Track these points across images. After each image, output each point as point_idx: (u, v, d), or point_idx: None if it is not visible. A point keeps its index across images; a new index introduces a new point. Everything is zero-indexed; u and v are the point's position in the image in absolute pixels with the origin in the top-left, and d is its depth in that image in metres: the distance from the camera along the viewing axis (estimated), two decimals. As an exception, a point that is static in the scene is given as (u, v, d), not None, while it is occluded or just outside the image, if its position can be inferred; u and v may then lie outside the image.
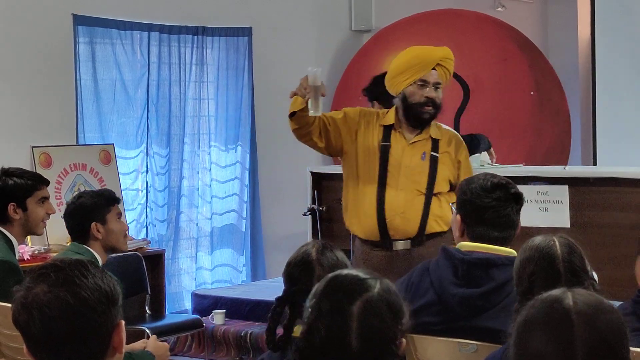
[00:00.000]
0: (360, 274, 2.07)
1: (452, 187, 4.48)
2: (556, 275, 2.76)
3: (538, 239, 2.88)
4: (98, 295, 1.97)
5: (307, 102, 4.31)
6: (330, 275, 2.08)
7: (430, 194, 4.47)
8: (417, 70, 4.48)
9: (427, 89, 4.47)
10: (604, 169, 6.55)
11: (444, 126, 4.71)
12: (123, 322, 2.03)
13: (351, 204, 4.56)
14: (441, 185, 4.51)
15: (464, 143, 4.65)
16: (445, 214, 4.43)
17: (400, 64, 4.57)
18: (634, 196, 5.92)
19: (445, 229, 4.46)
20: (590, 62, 8.83)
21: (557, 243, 2.83)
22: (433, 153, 4.51)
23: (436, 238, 4.44)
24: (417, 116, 4.47)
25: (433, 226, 4.48)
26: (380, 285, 2.03)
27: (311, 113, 4.34)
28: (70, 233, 4.11)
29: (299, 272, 2.85)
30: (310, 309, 2.01)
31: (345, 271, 2.10)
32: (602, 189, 6.01)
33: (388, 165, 4.47)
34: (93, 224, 4.01)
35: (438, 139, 4.54)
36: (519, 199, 3.38)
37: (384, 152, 4.48)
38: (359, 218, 4.51)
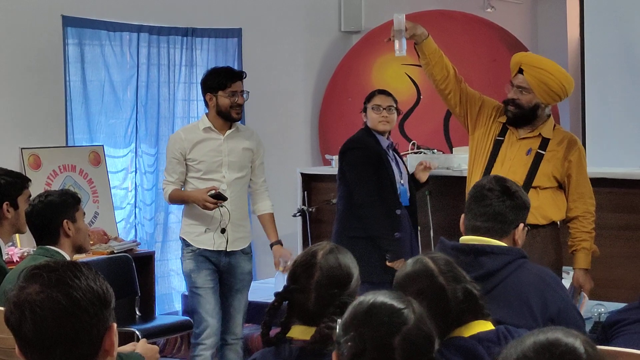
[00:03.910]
0: (395, 303, 2.13)
1: (561, 185, 4.88)
2: (441, 290, 2.77)
3: (409, 263, 2.88)
4: (90, 296, 1.97)
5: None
6: (364, 307, 2.13)
7: (527, 186, 4.77)
8: (511, 73, 4.95)
9: (512, 90, 4.89)
10: (593, 169, 6.55)
11: (564, 129, 5.12)
12: (115, 325, 2.02)
13: (467, 189, 4.91)
14: (541, 180, 4.85)
15: (578, 145, 4.96)
16: (542, 206, 4.81)
17: None
18: (624, 197, 5.94)
19: (543, 222, 4.82)
20: (580, 62, 8.84)
21: (429, 260, 2.83)
22: (539, 150, 4.85)
23: (530, 231, 4.63)
24: (506, 113, 4.93)
25: (527, 217, 4.62)
26: (415, 316, 2.12)
27: (397, 54, 4.97)
28: (37, 233, 4.10)
29: (300, 271, 2.86)
30: (349, 343, 2.08)
31: (379, 299, 2.14)
32: (592, 189, 6.01)
33: (497, 157, 4.87)
34: (64, 221, 4.02)
35: (549, 139, 4.88)
36: (510, 193, 3.41)
37: (496, 146, 4.91)
38: None
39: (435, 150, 6.82)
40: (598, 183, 6.00)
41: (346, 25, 8.76)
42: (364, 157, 5.56)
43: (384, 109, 5.60)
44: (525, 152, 4.86)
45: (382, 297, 2.17)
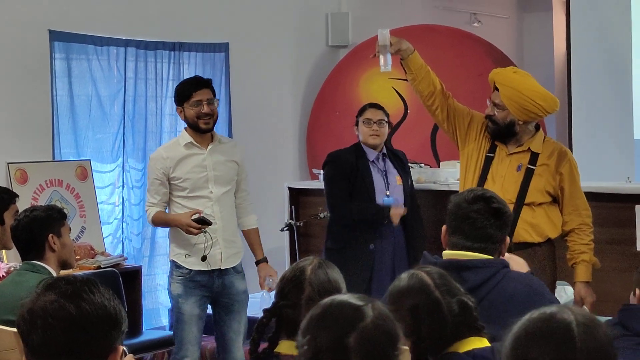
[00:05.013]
0: (353, 301, 2.06)
1: (555, 199, 4.86)
2: (437, 304, 2.77)
3: (403, 277, 2.87)
4: (101, 313, 2.03)
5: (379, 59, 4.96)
6: (320, 309, 2.08)
7: (520, 203, 4.78)
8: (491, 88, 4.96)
9: (489, 105, 4.89)
10: (580, 183, 6.58)
11: (553, 140, 5.09)
12: (122, 348, 2.06)
13: None
14: (535, 196, 4.84)
15: (569, 156, 4.94)
16: (539, 224, 4.79)
17: None
18: (611, 211, 5.95)
19: (538, 240, 4.81)
20: (566, 76, 8.88)
21: (424, 274, 2.83)
22: (529, 166, 4.82)
23: (527, 249, 4.62)
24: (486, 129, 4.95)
25: (522, 234, 4.74)
26: (373, 312, 2.03)
27: (382, 69, 4.98)
28: (23, 249, 4.09)
29: (290, 287, 2.86)
30: (305, 347, 2.01)
31: (337, 299, 2.09)
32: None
33: (488, 174, 4.85)
34: (50, 235, 4.02)
35: (538, 153, 4.85)
36: (499, 215, 3.41)
37: (487, 162, 4.88)
38: None
39: (423, 165, 6.83)
40: (585, 197, 6.02)
41: (333, 40, 8.77)
42: (335, 170, 5.71)
43: (374, 122, 5.67)
44: (516, 168, 4.85)
45: (340, 297, 2.11)
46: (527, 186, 4.79)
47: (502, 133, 4.87)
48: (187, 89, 5.28)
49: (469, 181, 4.92)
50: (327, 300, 2.11)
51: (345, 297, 2.11)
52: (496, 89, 4.88)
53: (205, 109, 5.23)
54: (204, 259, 5.22)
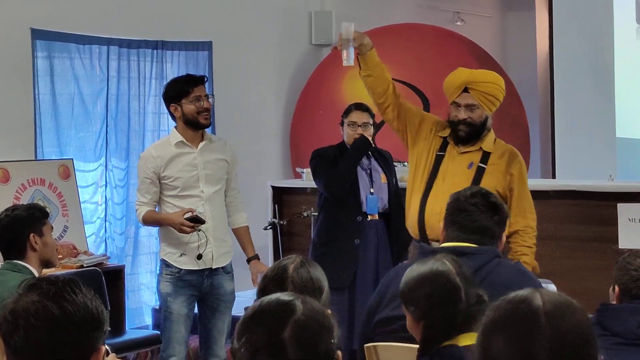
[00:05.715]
0: (281, 297, 2.09)
1: (503, 199, 4.72)
2: (457, 290, 2.82)
3: (425, 262, 2.90)
4: (84, 313, 2.03)
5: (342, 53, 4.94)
6: (251, 311, 2.08)
7: None
8: (451, 94, 4.84)
9: (460, 110, 4.78)
10: (563, 182, 6.61)
11: (503, 142, 5.01)
12: (104, 349, 2.06)
13: (407, 204, 4.97)
14: None
15: (519, 158, 4.89)
16: None
17: (444, 85, 4.96)
18: (593, 209, 5.98)
19: None
20: (549, 74, 8.91)
21: (447, 261, 2.87)
22: (481, 164, 4.80)
23: None
24: (455, 133, 4.83)
25: None
26: (304, 306, 2.04)
27: (344, 63, 4.96)
28: (4, 248, 4.08)
29: (272, 286, 2.86)
30: (242, 350, 2.00)
31: (265, 300, 2.11)
32: (561, 201, 6.06)
33: (438, 172, 4.81)
34: (31, 235, 4.00)
35: (490, 152, 4.83)
36: (496, 209, 3.47)
37: (437, 161, 4.85)
38: (408, 216, 4.91)
39: (406, 163, 6.83)
40: (567, 195, 6.06)
41: (317, 39, 8.78)
42: (322, 160, 5.73)
43: (359, 126, 5.67)
44: (467, 165, 4.83)
45: (268, 297, 2.12)
46: (477, 184, 4.73)
47: (477, 132, 4.85)
48: (186, 85, 5.25)
49: (419, 179, 4.90)
50: (256, 302, 2.11)
51: (273, 296, 2.11)
52: (465, 91, 4.84)
53: (206, 104, 5.23)
54: (199, 257, 5.20)
